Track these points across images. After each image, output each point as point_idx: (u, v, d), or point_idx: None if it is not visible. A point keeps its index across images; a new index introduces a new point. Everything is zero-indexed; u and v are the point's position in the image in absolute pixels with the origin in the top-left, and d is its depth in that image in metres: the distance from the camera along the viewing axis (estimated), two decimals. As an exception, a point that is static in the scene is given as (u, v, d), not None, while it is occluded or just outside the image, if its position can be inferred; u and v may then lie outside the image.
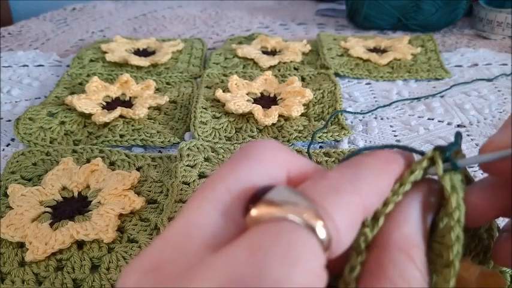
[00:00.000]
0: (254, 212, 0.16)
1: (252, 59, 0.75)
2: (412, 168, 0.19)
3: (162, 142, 0.54)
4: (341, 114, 0.58)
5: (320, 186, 0.17)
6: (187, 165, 0.48)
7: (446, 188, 0.19)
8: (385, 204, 0.18)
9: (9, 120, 0.60)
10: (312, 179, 0.18)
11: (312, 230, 0.15)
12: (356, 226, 0.17)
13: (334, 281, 0.18)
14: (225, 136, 0.55)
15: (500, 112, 0.62)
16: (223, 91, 0.61)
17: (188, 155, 0.50)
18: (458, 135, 0.21)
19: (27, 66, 0.76)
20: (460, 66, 0.76)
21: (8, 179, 0.47)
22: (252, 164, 0.18)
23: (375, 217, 0.18)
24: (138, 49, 0.79)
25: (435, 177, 0.20)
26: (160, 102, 0.60)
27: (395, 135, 0.57)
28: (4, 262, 0.38)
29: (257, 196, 0.16)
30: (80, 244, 0.40)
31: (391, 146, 0.21)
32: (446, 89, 0.67)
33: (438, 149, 0.20)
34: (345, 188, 0.17)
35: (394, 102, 0.63)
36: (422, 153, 0.21)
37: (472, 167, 0.21)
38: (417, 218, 0.19)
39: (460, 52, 0.80)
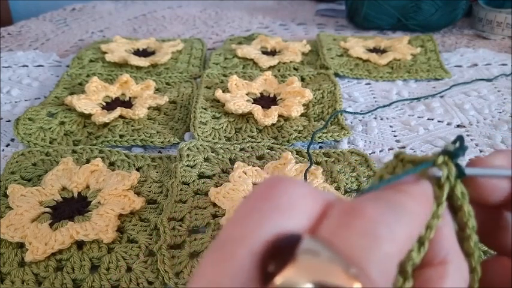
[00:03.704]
0: (279, 280, 0.13)
1: (251, 59, 0.75)
2: (439, 183, 0.18)
3: (161, 142, 0.54)
4: (341, 115, 0.58)
5: (354, 230, 0.15)
6: (187, 166, 0.48)
7: (458, 196, 0.19)
8: (428, 227, 0.18)
9: (9, 121, 0.60)
10: (343, 216, 0.15)
11: None
12: (392, 279, 0.15)
13: None
14: (224, 136, 0.55)
15: (500, 112, 0.62)
16: (223, 91, 0.61)
17: (188, 155, 0.50)
18: (462, 140, 0.20)
19: (26, 66, 0.76)
20: (460, 66, 0.76)
21: (7, 179, 0.47)
22: (281, 217, 0.15)
23: (419, 240, 0.17)
24: (138, 49, 0.79)
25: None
26: (160, 103, 0.60)
27: (395, 136, 0.57)
28: (4, 262, 0.38)
29: (278, 251, 0.14)
30: (80, 244, 0.39)
31: (415, 168, 0.19)
32: (446, 89, 0.67)
33: (446, 153, 0.19)
34: (383, 234, 0.15)
35: (393, 102, 0.64)
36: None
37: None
38: (452, 227, 0.18)
39: (460, 52, 0.80)
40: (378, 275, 0.14)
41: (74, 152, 0.51)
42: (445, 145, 0.19)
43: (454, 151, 0.19)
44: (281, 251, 0.14)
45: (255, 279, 0.14)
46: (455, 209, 0.19)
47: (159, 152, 0.54)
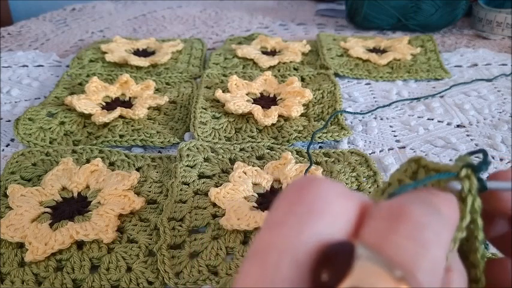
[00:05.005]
0: None
1: (251, 59, 0.75)
2: (462, 196, 0.18)
3: (161, 142, 0.54)
4: (341, 115, 0.58)
5: (402, 235, 0.14)
6: (187, 166, 0.48)
7: (476, 209, 0.18)
8: (453, 240, 0.17)
9: (9, 121, 0.60)
10: (388, 220, 0.15)
11: None
12: (440, 284, 0.15)
13: None
14: (224, 136, 0.55)
15: (500, 112, 0.62)
16: (223, 91, 0.61)
17: (188, 155, 0.50)
18: (485, 155, 0.19)
19: (26, 66, 0.76)
20: (460, 66, 0.76)
21: (7, 180, 0.47)
22: (320, 220, 0.14)
23: None
24: (138, 49, 0.79)
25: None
26: (160, 103, 0.60)
27: (395, 136, 0.57)
28: (4, 262, 0.38)
29: (329, 259, 0.14)
30: (80, 244, 0.39)
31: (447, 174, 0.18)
32: (446, 89, 0.67)
33: (469, 167, 0.18)
34: (431, 239, 0.15)
35: (393, 102, 0.64)
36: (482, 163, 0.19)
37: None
38: None
39: (460, 52, 0.80)
40: (428, 281, 0.14)
41: (74, 152, 0.51)
42: (460, 156, 0.19)
43: (477, 165, 0.18)
44: (333, 260, 0.13)
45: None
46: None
47: (159, 152, 0.54)
